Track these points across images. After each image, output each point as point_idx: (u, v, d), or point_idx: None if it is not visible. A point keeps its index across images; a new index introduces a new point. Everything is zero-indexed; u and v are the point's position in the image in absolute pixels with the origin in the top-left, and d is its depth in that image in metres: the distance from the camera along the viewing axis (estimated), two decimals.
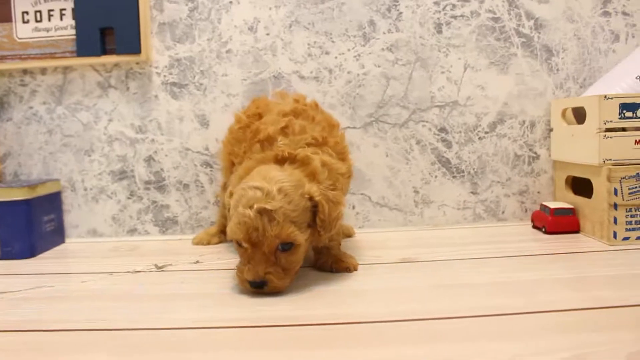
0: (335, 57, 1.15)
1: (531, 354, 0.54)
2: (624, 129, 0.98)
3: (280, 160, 0.81)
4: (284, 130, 0.84)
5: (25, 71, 1.18)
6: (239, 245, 0.76)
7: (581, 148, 1.03)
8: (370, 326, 0.63)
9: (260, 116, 0.93)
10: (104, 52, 1.14)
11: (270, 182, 0.74)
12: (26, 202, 1.04)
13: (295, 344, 0.59)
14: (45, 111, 1.19)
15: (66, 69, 1.18)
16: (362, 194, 1.17)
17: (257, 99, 1.03)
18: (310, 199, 0.76)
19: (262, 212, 0.72)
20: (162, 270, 0.91)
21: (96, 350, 0.60)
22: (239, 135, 0.95)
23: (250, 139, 0.88)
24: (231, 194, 0.79)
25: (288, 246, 0.75)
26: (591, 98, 0.99)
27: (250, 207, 0.72)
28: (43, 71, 1.18)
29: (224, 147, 1.03)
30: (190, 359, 0.56)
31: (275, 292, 0.76)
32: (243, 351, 0.58)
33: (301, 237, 0.75)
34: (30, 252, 1.05)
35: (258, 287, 0.75)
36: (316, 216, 0.77)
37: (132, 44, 1.12)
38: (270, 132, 0.84)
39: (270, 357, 0.56)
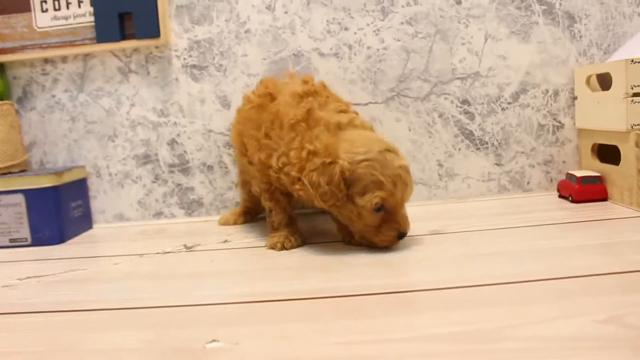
0: (355, 33, 1.14)
1: (565, 316, 0.54)
2: None
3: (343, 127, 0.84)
4: (309, 113, 0.84)
5: (46, 60, 1.19)
6: (379, 209, 0.79)
7: (607, 114, 1.01)
8: (406, 295, 0.64)
9: (271, 96, 0.92)
10: (123, 37, 1.14)
11: (387, 142, 0.81)
12: (54, 189, 1.06)
13: (332, 315, 0.59)
14: (67, 99, 1.20)
15: (86, 56, 1.18)
16: None
17: (265, 79, 1.01)
18: None
19: (408, 169, 0.81)
20: (192, 250, 0.92)
21: (132, 327, 0.61)
22: (251, 114, 0.94)
23: (272, 121, 0.87)
24: (343, 170, 0.78)
25: None
26: (617, 63, 0.97)
27: (399, 168, 0.79)
28: (64, 59, 1.19)
29: (233, 128, 1.03)
30: (230, 332, 0.57)
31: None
32: (282, 323, 0.59)
33: None
34: (60, 237, 1.07)
35: (402, 237, 0.83)
36: None
37: (150, 28, 1.12)
38: (299, 116, 0.83)
39: (307, 328, 0.56)
